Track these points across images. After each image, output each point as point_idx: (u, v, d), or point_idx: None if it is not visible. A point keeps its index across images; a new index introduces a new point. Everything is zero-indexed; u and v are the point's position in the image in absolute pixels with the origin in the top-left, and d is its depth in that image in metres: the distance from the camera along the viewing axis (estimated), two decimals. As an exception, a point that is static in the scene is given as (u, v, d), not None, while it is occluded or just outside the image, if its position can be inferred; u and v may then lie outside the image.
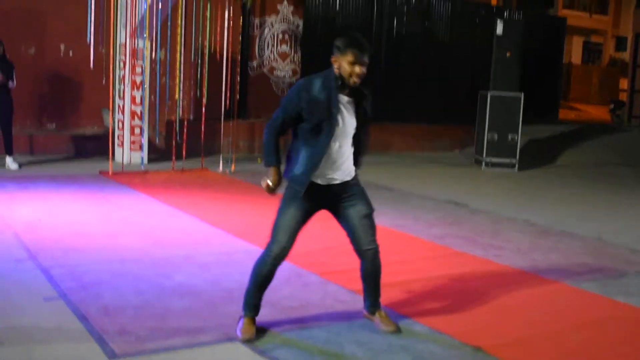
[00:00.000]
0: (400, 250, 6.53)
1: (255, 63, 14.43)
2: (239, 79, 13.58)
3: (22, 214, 7.35)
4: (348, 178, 4.37)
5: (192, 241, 6.55)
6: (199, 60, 11.57)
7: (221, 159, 11.39)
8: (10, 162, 10.47)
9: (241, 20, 13.62)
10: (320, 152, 4.19)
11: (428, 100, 16.16)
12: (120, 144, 11.39)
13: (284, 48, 14.81)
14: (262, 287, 4.39)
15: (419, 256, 6.43)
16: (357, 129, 4.32)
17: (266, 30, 14.56)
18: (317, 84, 4.22)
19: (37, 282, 5.13)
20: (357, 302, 4.96)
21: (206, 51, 11.54)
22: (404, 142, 15.53)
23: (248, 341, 4.23)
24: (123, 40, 11.20)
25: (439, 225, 7.81)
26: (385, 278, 5.48)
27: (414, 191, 10.12)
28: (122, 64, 11.27)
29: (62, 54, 12.52)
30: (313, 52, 14.84)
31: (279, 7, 14.67)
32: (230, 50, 11.54)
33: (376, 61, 15.47)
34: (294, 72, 14.90)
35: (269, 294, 4.55)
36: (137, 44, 11.16)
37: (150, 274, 5.43)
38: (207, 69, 11.37)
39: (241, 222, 7.43)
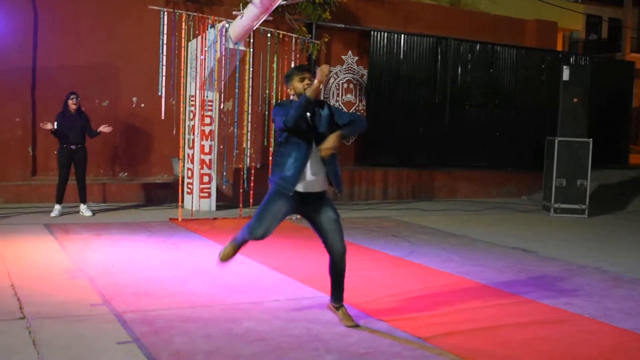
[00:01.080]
0: (469, 298, 6.46)
1: (320, 112, 14.59)
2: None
3: (96, 260, 7.57)
4: (324, 189, 5.28)
5: (260, 287, 6.62)
6: (266, 110, 11.80)
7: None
8: (85, 210, 10.81)
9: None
10: (305, 156, 5.11)
11: (494, 146, 16.06)
12: (190, 191, 11.65)
13: (349, 97, 15.00)
14: (242, 245, 5.48)
15: (488, 304, 6.33)
16: (334, 128, 5.21)
17: (331, 80, 14.78)
18: (289, 104, 5.19)
19: (111, 326, 5.26)
20: (425, 350, 4.93)
21: (273, 101, 11.77)
22: (471, 188, 15.47)
23: (223, 260, 5.51)
24: (193, 92, 11.54)
25: (508, 273, 7.71)
26: (455, 326, 5.47)
27: (481, 238, 10.03)
28: (191, 115, 11.59)
29: (134, 106, 12.95)
30: (378, 100, 14.99)
31: (343, 57, 14.91)
32: (296, 99, 11.74)
33: (441, 109, 15.53)
34: (359, 121, 15.00)
35: (336, 340, 4.56)
36: (207, 96, 11.47)
37: (219, 319, 5.51)
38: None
39: (308, 269, 7.48)
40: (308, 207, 5.27)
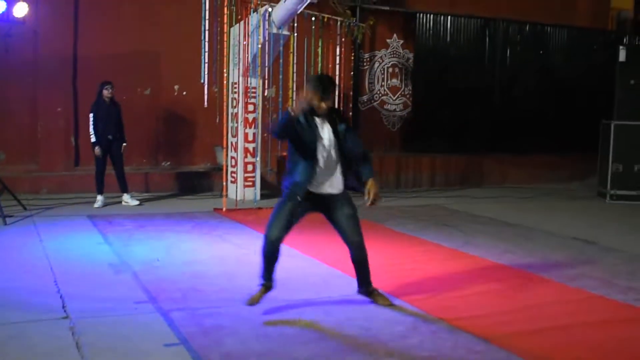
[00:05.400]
0: (533, 294, 6.09)
1: (365, 97, 14.27)
2: (350, 114, 13.42)
3: (140, 253, 7.35)
4: (336, 192, 5.37)
5: (311, 283, 6.31)
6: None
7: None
8: (129, 199, 10.65)
9: (352, 55, 13.51)
10: (312, 164, 5.22)
11: (545, 130, 15.48)
12: (234, 180, 11.40)
13: (395, 82, 14.59)
14: (269, 265, 5.38)
15: (552, 300, 5.94)
16: (341, 144, 5.29)
17: (376, 65, 14.39)
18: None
19: (157, 326, 5.01)
20: (491, 352, 4.59)
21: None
22: (521, 174, 14.95)
23: (251, 305, 5.30)
24: (235, 79, 11.26)
25: (570, 265, 7.27)
26: (521, 325, 5.12)
27: (537, 227, 9.59)
28: (234, 102, 11.33)
29: (175, 94, 12.74)
30: (424, 85, 14.56)
31: (388, 40, 14.49)
32: (342, 85, 11.40)
33: (490, 92, 15.04)
34: (405, 106, 14.64)
35: (396, 342, 4.28)
36: (250, 82, 11.19)
37: (271, 318, 5.23)
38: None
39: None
40: (322, 206, 5.40)
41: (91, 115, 10.34)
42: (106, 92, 10.39)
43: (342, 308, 5.55)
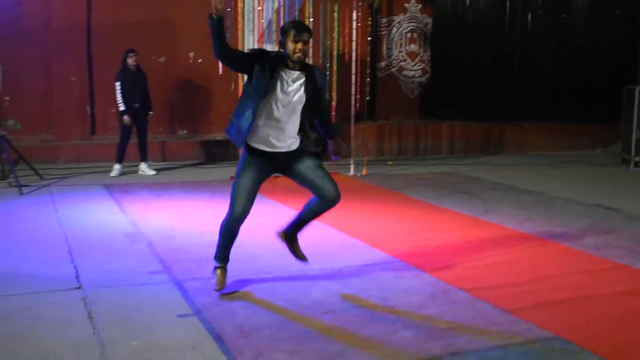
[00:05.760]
0: (555, 264, 5.94)
1: (383, 63, 14.04)
2: (368, 80, 13.20)
3: (156, 223, 7.28)
4: (294, 147, 4.86)
5: (327, 252, 6.19)
6: (327, 63, 11.31)
7: (352, 162, 11.06)
8: (146, 168, 10.58)
9: (369, 20, 13.27)
10: (255, 112, 4.69)
11: (566, 96, 15.16)
12: (250, 149, 11.26)
13: (413, 47, 14.32)
14: (229, 244, 5.02)
15: (576, 270, 5.79)
16: (309, 101, 4.78)
17: (394, 30, 14.13)
18: (271, 54, 4.81)
19: (171, 296, 4.94)
20: (513, 324, 4.47)
21: (334, 53, 11.26)
22: (542, 141, 14.66)
23: (220, 290, 4.93)
24: (250, 45, 11.08)
25: (593, 234, 7.10)
26: (543, 296, 5.00)
27: (558, 194, 9.40)
28: (250, 69, 11.14)
29: (191, 62, 12.60)
30: (443, 50, 14.30)
31: (406, 5, 14.20)
32: (359, 51, 11.19)
33: (509, 57, 14.75)
34: (424, 72, 14.39)
35: (414, 312, 4.24)
36: (265, 48, 10.98)
37: (285, 289, 5.13)
38: (335, 71, 11.08)
39: (378, 231, 7.04)
40: (282, 165, 4.92)
41: (117, 84, 10.23)
42: (130, 60, 10.27)
43: (359, 278, 5.45)
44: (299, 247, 5.27)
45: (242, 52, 4.91)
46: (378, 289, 5.14)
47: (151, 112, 10.58)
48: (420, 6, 14.28)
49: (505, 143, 14.51)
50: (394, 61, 14.14)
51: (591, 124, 15.05)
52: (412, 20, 14.27)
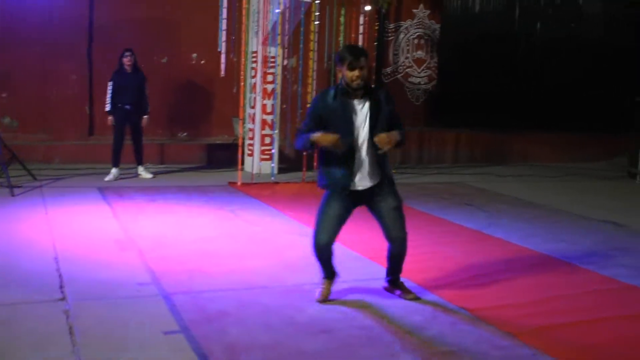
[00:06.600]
0: (561, 283, 5.70)
1: (389, 69, 13.81)
2: (373, 86, 12.96)
3: (148, 229, 7.05)
4: (377, 182, 4.82)
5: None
6: (332, 67, 11.08)
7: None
8: (143, 171, 10.34)
9: (376, 26, 13.05)
10: (351, 157, 4.70)
11: (573, 107, 14.92)
12: (251, 153, 11.05)
13: (420, 53, 14.09)
14: (327, 264, 5.01)
15: (582, 290, 5.54)
16: (376, 128, 4.66)
17: (401, 35, 13.91)
18: (331, 93, 4.77)
19: (159, 311, 4.69)
20: (517, 348, 4.22)
21: (339, 58, 11.01)
22: (545, 153, 14.38)
23: (323, 301, 4.91)
24: (254, 48, 10.87)
25: (601, 251, 6.85)
26: (550, 318, 4.77)
27: (564, 208, 9.15)
28: (253, 72, 10.94)
29: (193, 62, 12.39)
30: (451, 57, 14.07)
31: (414, 11, 13.98)
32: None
33: (517, 67, 14.53)
34: (430, 79, 14.16)
35: (413, 333, 4.21)
36: (269, 51, 10.78)
37: (280, 304, 4.89)
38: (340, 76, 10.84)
39: (378, 244, 6.75)
40: (366, 200, 4.92)
41: (110, 83, 10.00)
42: (125, 60, 10.00)
43: (357, 293, 5.21)
44: (406, 288, 5.19)
45: (313, 122, 4.75)
46: (376, 306, 4.90)
47: (146, 116, 10.26)
48: (428, 12, 14.06)
49: (510, 153, 14.25)
50: (400, 67, 13.91)
51: (597, 136, 14.80)
52: (420, 26, 14.04)
